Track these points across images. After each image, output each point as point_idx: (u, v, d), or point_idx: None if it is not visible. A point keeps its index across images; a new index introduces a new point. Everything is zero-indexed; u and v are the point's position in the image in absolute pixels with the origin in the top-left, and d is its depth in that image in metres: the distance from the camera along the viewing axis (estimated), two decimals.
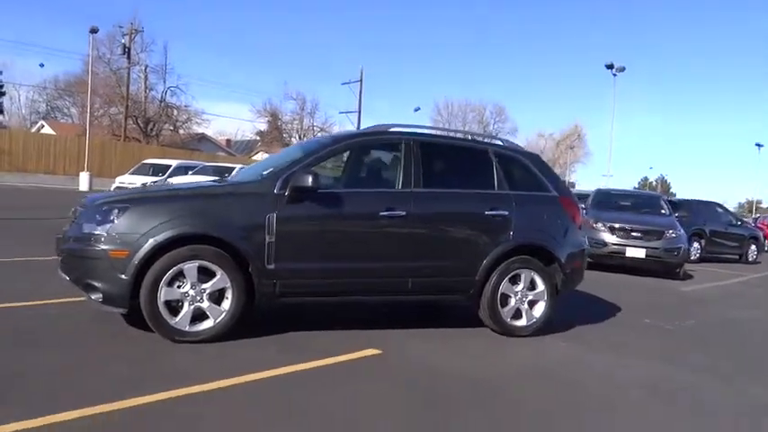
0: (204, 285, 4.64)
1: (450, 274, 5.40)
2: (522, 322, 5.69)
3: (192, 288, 4.60)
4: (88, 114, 34.87)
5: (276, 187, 4.86)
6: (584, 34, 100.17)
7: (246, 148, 65.31)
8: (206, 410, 3.39)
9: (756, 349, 6.32)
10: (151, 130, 44.98)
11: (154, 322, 4.53)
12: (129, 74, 41.53)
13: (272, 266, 4.79)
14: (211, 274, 4.65)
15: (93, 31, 33.53)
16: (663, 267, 11.77)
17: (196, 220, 4.65)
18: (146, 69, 44.00)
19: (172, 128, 46.62)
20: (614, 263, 11.87)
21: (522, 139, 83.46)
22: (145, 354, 4.32)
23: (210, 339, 4.64)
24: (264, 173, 5.12)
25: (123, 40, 40.41)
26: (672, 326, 6.91)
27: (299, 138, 56.95)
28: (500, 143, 6.09)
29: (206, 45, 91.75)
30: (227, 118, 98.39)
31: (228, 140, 65.03)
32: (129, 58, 40.65)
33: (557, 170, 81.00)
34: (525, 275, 5.65)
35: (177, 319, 4.58)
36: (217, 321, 4.68)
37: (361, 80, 52.44)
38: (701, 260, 15.67)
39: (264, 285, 4.79)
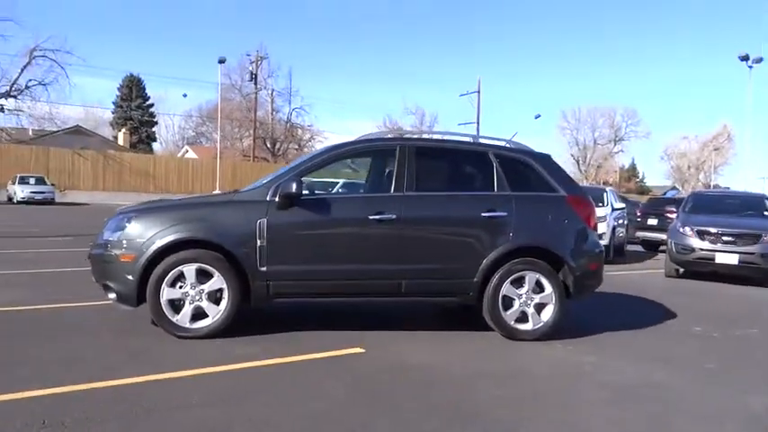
0: (203, 286, 5.09)
1: (444, 276, 5.46)
2: (527, 326, 5.59)
3: (191, 288, 5.08)
4: (218, 138, 37.82)
5: (269, 195, 5.23)
6: (714, 26, 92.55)
7: None
8: (185, 393, 3.80)
9: None
10: (278, 149, 47.79)
11: (158, 319, 5.06)
12: (256, 98, 44.59)
13: (264, 269, 5.15)
14: (209, 276, 5.10)
15: (221, 61, 36.46)
16: (760, 275, 10.71)
17: (194, 226, 5.12)
18: (272, 93, 47.00)
19: (297, 147, 49.21)
20: (704, 270, 11.01)
21: (660, 142, 78.49)
22: (144, 346, 4.85)
23: (208, 335, 5.08)
24: (263, 182, 5.51)
25: (250, 68, 43.46)
26: (719, 334, 6.40)
27: None
28: (503, 145, 6.04)
29: (327, 66, 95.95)
30: (349, 135, 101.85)
31: None
32: (255, 83, 43.68)
33: (700, 175, 75.58)
34: (530, 278, 5.56)
35: (179, 316, 5.07)
36: (214, 319, 5.11)
37: (478, 91, 52.29)
38: None
39: (258, 286, 5.16)
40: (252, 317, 5.66)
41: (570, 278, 5.66)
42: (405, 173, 5.51)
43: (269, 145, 47.22)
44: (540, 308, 5.60)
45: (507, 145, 6.00)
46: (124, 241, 5.10)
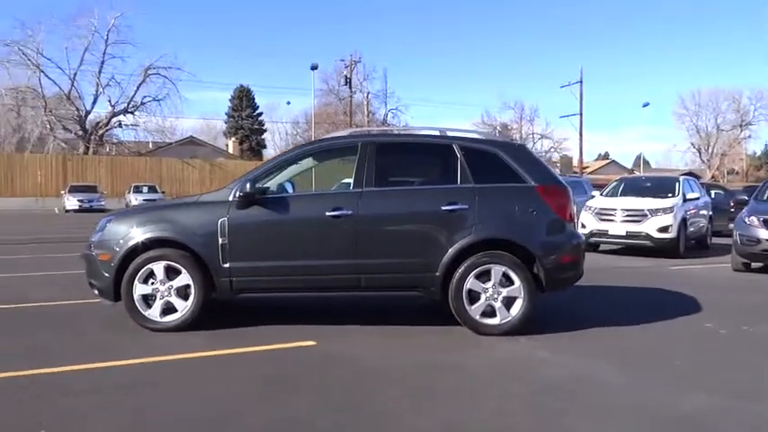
0: (171, 282, 5.44)
1: (404, 270, 5.45)
2: (494, 320, 5.45)
3: (161, 285, 5.44)
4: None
5: (231, 195, 5.48)
6: None
7: None
8: (142, 377, 4.18)
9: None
10: None
11: (131, 313, 5.46)
12: (351, 102, 45.66)
13: (227, 265, 5.41)
14: (178, 273, 5.44)
15: (314, 68, 37.76)
16: None
17: (162, 226, 5.48)
18: (367, 96, 47.90)
19: None
20: None
21: None
22: (107, 338, 5.27)
23: (177, 328, 5.41)
24: (230, 183, 5.77)
25: (345, 72, 44.56)
26: (727, 330, 5.87)
27: None
28: (471, 137, 5.90)
29: (422, 66, 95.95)
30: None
31: None
32: (350, 87, 44.71)
33: None
34: (496, 271, 5.42)
35: (150, 310, 5.45)
36: (182, 313, 5.44)
37: (581, 81, 50.13)
38: None
39: (222, 282, 5.43)
40: (222, 311, 5.92)
41: (541, 271, 5.45)
42: (365, 169, 5.56)
43: None
44: (509, 302, 5.45)
45: (477, 137, 5.88)
46: (103, 242, 5.56)
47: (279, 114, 72.86)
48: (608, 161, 79.54)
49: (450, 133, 5.91)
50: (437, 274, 5.42)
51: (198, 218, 5.50)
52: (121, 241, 5.46)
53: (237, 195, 5.41)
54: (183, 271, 5.42)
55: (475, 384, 4.19)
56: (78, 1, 78.92)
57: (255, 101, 68.86)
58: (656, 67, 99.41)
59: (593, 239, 13.13)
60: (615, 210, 12.90)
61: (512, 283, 5.43)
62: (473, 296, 5.45)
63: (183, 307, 5.45)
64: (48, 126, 40.65)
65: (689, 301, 7.36)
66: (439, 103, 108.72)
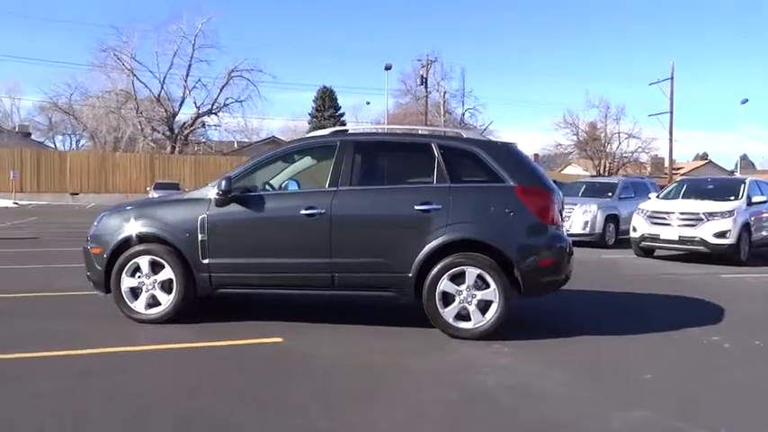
0: (156, 276, 5.66)
1: (377, 270, 5.40)
2: (467, 324, 5.31)
3: (147, 278, 5.67)
4: None
5: (212, 193, 5.63)
6: None
7: (556, 162, 64.64)
8: (97, 365, 4.43)
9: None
10: None
11: (119, 304, 5.72)
12: (426, 101, 45.52)
13: (206, 261, 5.57)
14: (162, 267, 5.65)
15: (387, 68, 37.95)
16: None
17: (147, 222, 5.71)
18: (444, 95, 47.58)
19: None
20: None
21: None
22: (97, 327, 5.54)
23: (159, 320, 5.63)
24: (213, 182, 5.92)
25: (421, 72, 44.49)
26: (733, 344, 5.43)
27: (605, 146, 54.35)
28: (451, 136, 5.75)
29: (503, 66, 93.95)
30: (523, 133, 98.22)
31: (536, 155, 65.35)
32: (426, 87, 44.59)
33: None
34: (470, 273, 5.28)
35: (136, 302, 5.69)
36: (165, 306, 5.65)
37: (671, 77, 47.62)
38: None
39: (201, 278, 5.60)
40: (209, 306, 6.08)
41: (519, 275, 5.26)
42: (341, 168, 5.56)
43: None
44: (485, 305, 5.29)
45: (457, 136, 5.73)
46: (97, 236, 5.86)
47: (363, 114, 74.02)
48: (705, 162, 75.04)
49: (430, 132, 5.80)
50: (409, 274, 5.34)
51: (181, 214, 5.69)
52: (111, 236, 5.73)
53: (216, 193, 5.55)
54: (167, 266, 5.62)
55: (408, 388, 4.10)
56: (169, 8, 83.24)
57: (338, 101, 70.15)
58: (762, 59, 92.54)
59: (643, 244, 12.48)
60: (669, 213, 12.17)
61: (487, 286, 5.27)
62: (447, 298, 5.33)
63: (166, 300, 5.65)
64: (139, 127, 43.20)
65: (711, 312, 6.86)
66: (518, 102, 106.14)
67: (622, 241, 14.54)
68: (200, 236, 5.56)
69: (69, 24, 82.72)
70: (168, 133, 43.31)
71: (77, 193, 36.92)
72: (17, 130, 53.10)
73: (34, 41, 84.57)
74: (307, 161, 6.13)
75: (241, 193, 5.59)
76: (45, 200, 34.96)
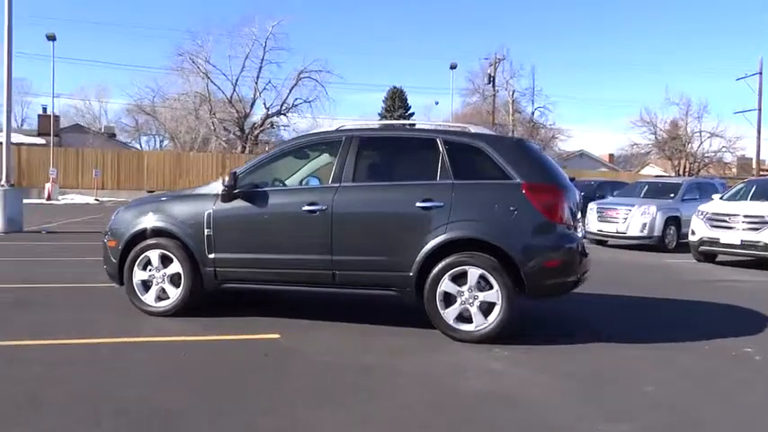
0: (165, 270, 5.76)
1: (378, 268, 5.27)
2: (469, 326, 5.10)
3: (157, 271, 5.78)
4: None
5: (219, 188, 5.67)
6: None
7: (632, 162, 62.12)
8: (88, 355, 4.57)
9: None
10: None
11: (130, 297, 5.85)
12: (494, 100, 44.77)
13: (212, 256, 5.62)
14: (171, 261, 5.74)
15: (453, 67, 37.57)
16: None
17: (157, 217, 5.81)
18: (512, 94, 46.65)
19: None
20: None
21: None
22: (109, 319, 5.69)
23: (167, 313, 5.72)
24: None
25: (489, 70, 43.83)
26: (762, 356, 4.97)
27: (686, 145, 51.76)
28: (458, 131, 5.52)
29: (576, 62, 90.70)
30: (595, 132, 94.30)
31: (611, 156, 63.05)
32: (493, 85, 43.86)
33: None
34: (472, 273, 5.07)
35: (147, 295, 5.81)
36: (173, 300, 5.74)
37: (760, 72, 44.88)
38: None
39: (207, 272, 5.65)
40: (219, 301, 6.12)
41: (523, 276, 5.01)
42: (345, 164, 5.47)
43: None
44: (487, 307, 5.07)
45: (464, 131, 5.52)
46: (112, 229, 6.03)
47: (434, 114, 73.58)
48: None
49: (438, 127, 5.61)
50: (410, 274, 5.18)
51: (189, 209, 5.76)
52: (125, 229, 5.88)
53: (221, 189, 5.58)
54: (175, 260, 5.71)
55: (385, 390, 3.95)
56: (242, 12, 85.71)
57: (408, 101, 70.13)
58: None
59: (702, 248, 11.73)
60: (731, 215, 11.36)
61: (490, 287, 5.05)
62: (449, 299, 5.15)
63: (175, 294, 5.74)
64: (212, 127, 44.67)
65: (757, 322, 6.33)
66: (591, 101, 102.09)
67: (685, 245, 13.74)
68: (206, 231, 5.61)
69: (150, 30, 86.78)
70: (239, 133, 44.56)
71: (153, 191, 38.52)
72: (103, 131, 56.11)
73: (120, 47, 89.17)
74: (315, 157, 6.07)
75: (249, 188, 5.60)
76: (123, 197, 36.68)
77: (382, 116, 69.85)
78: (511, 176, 5.17)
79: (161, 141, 61.76)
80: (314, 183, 6.05)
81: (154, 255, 5.76)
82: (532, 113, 48.01)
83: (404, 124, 6.08)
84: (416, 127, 5.86)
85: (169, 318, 5.65)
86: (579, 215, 5.70)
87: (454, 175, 5.25)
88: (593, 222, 14.82)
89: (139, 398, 3.67)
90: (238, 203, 5.59)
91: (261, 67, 44.10)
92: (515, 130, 47.76)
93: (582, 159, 57.80)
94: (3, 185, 14.50)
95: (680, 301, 7.51)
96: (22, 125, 63.72)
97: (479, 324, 5.07)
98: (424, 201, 5.19)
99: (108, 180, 38.47)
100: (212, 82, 43.95)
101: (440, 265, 5.12)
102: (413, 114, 70.02)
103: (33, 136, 46.50)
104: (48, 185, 32.83)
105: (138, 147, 59.73)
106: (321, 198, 5.41)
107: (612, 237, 14.58)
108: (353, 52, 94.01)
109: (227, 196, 5.58)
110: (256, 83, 44.39)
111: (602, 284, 7.33)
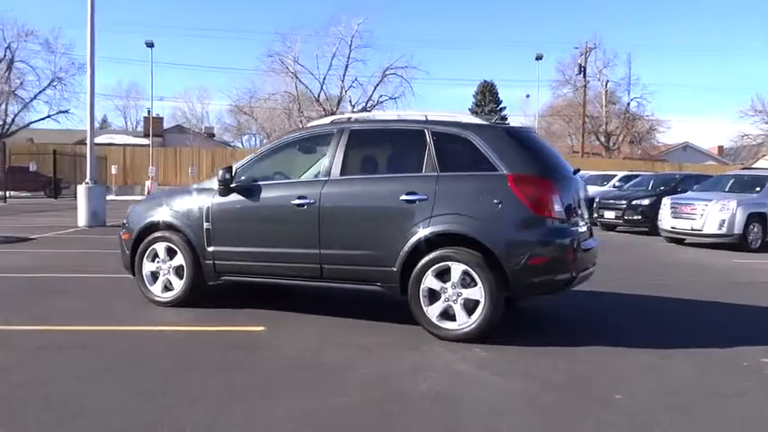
0: (171, 262, 5.96)
1: (363, 263, 5.19)
2: (452, 324, 4.92)
3: (163, 263, 6.00)
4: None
5: (215, 183, 5.80)
6: None
7: (742, 155, 57.63)
8: (71, 340, 4.85)
9: None
10: (613, 143, 45.16)
11: (140, 287, 6.11)
12: (585, 91, 42.98)
13: (211, 249, 5.76)
14: (176, 254, 5.94)
15: (539, 58, 36.46)
16: None
17: (163, 211, 6.02)
18: (606, 84, 44.58)
19: (631, 139, 45.70)
20: None
21: None
22: (111, 307, 5.97)
23: (171, 304, 5.92)
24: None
25: (579, 60, 42.14)
26: (749, 363, 4.45)
27: None
28: (447, 121, 5.29)
29: (673, 48, 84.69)
30: (698, 123, 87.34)
31: (720, 147, 58.84)
32: (584, 76, 42.13)
33: None
34: (455, 270, 4.88)
35: (154, 286, 6.05)
36: (176, 291, 5.94)
37: None
38: None
39: (207, 265, 5.79)
40: (210, 293, 6.22)
41: (507, 272, 4.76)
42: (334, 157, 5.42)
43: (603, 139, 44.95)
44: (471, 304, 4.86)
45: (454, 121, 5.29)
46: (126, 223, 6.32)
47: (528, 107, 71.37)
48: None
49: (430, 117, 5.41)
50: (394, 269, 5.06)
51: (191, 204, 5.92)
52: (137, 223, 6.15)
53: (218, 183, 5.69)
54: (179, 252, 5.89)
55: (328, 388, 3.86)
56: (329, 12, 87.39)
57: (499, 95, 68.74)
58: None
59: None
60: None
61: (474, 283, 4.84)
62: (433, 295, 4.98)
63: (178, 285, 5.93)
64: (301, 126, 45.81)
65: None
66: (695, 89, 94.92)
67: None
68: (205, 224, 5.75)
69: (245, 33, 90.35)
70: None
71: None
72: (203, 131, 59.13)
73: (218, 51, 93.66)
74: (311, 150, 6.04)
75: (246, 182, 5.68)
76: None
77: (473, 111, 68.97)
78: (497, 168, 4.93)
79: (261, 140, 64.24)
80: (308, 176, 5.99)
81: (160, 247, 5.98)
82: (628, 104, 45.65)
83: (408, 115, 5.90)
84: (406, 118, 5.69)
85: (172, 308, 5.85)
86: (582, 209, 5.35)
87: (440, 166, 5.07)
88: (666, 219, 13.90)
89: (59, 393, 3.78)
90: (234, 197, 5.69)
91: (347, 66, 44.80)
92: (609, 123, 45.69)
93: (686, 152, 54.42)
94: (87, 183, 15.57)
95: (719, 303, 6.85)
96: (135, 127, 68.61)
97: (462, 322, 4.87)
98: (407, 194, 5.05)
99: (203, 176, 40.38)
100: (300, 81, 45.13)
101: (423, 261, 4.97)
102: (504, 108, 68.65)
103: (140, 137, 49.77)
104: (147, 183, 34.98)
105: (240, 146, 62.43)
106: (309, 192, 5.39)
107: (687, 234, 13.59)
108: (440, 47, 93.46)
109: (224, 190, 5.69)
110: (342, 81, 45.15)
111: (626, 283, 6.86)
